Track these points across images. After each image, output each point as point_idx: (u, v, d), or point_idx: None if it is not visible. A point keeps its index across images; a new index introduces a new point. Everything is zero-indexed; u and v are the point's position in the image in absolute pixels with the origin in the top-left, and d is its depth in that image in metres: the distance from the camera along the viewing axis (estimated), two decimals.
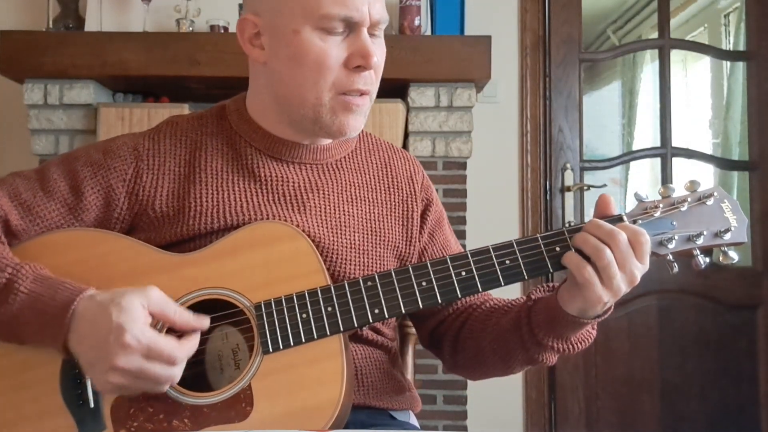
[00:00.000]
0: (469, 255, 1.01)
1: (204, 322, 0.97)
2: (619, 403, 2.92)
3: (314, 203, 1.11)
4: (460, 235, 2.63)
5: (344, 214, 1.13)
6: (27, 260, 1.00)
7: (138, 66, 2.57)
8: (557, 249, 0.99)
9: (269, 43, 1.08)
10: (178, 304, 0.98)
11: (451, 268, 1.00)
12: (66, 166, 1.09)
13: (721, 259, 1.02)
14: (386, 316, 0.99)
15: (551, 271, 1.00)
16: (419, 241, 1.20)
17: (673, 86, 3.04)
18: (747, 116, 3.11)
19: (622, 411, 2.92)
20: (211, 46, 2.53)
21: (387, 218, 1.17)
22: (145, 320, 0.92)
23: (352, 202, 1.14)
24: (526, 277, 1.00)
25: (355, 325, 0.99)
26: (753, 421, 2.92)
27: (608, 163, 3.08)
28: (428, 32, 2.74)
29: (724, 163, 3.22)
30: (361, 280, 1.00)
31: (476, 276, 1.00)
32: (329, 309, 0.98)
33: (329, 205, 1.12)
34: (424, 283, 1.00)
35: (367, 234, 1.14)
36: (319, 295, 0.99)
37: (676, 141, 3.01)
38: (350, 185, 1.16)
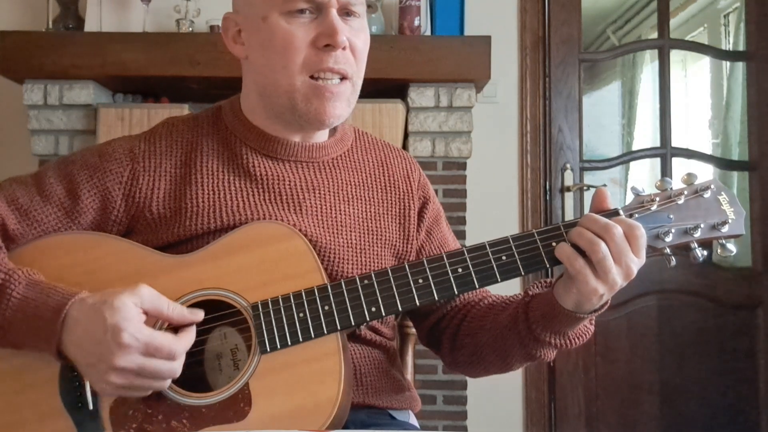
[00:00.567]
0: (465, 251, 1.01)
1: (198, 314, 0.98)
2: (619, 403, 2.92)
3: (311, 203, 1.11)
4: (460, 235, 2.63)
5: (341, 213, 1.13)
6: (24, 264, 1.00)
7: (138, 66, 2.57)
8: (553, 244, 0.99)
9: (246, 36, 1.11)
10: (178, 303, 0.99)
11: (447, 264, 1.00)
12: (62, 170, 1.10)
13: (719, 251, 1.01)
14: (383, 314, 0.99)
15: (547, 266, 1.00)
16: (416, 240, 1.20)
17: (673, 86, 3.04)
18: (747, 116, 3.11)
19: (622, 411, 2.92)
20: (211, 47, 2.53)
21: (384, 217, 1.17)
22: (140, 318, 0.92)
23: (348, 201, 1.14)
24: (523, 273, 1.00)
25: (353, 323, 0.99)
26: (753, 421, 2.92)
27: (608, 163, 3.08)
28: (428, 32, 2.74)
29: (723, 163, 3.22)
30: (357, 279, 1.00)
31: (473, 272, 1.00)
32: (326, 308, 0.98)
33: (325, 205, 1.12)
34: (420, 281, 1.00)
35: (364, 233, 1.14)
36: (316, 294, 0.99)
37: (676, 141, 3.01)
38: (347, 184, 1.16)
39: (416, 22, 2.68)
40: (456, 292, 1.00)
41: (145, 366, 0.91)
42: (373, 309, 0.99)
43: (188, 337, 0.95)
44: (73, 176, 1.08)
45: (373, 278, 1.00)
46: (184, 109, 2.62)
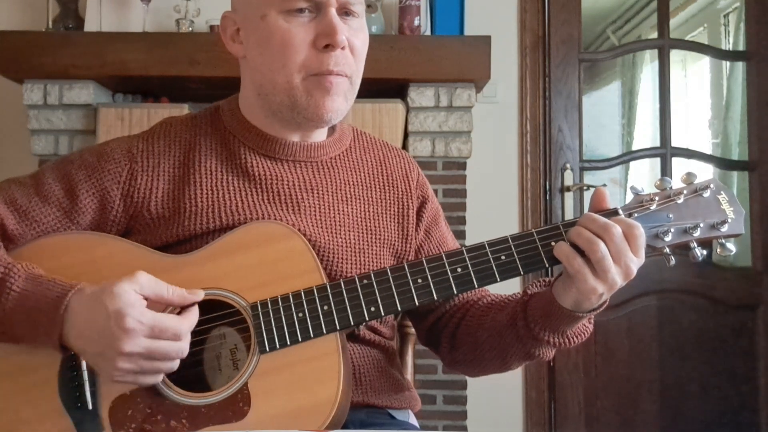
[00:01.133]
0: (464, 251, 1.01)
1: (198, 293, 0.98)
2: (619, 403, 2.92)
3: (309, 203, 1.11)
4: (460, 235, 2.63)
5: (339, 213, 1.13)
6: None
7: (138, 66, 2.57)
8: (552, 244, 0.99)
9: (244, 35, 1.11)
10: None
11: (446, 264, 1.00)
12: (60, 171, 1.10)
13: (718, 251, 1.01)
14: (382, 314, 0.99)
15: (547, 265, 0.99)
16: (415, 239, 1.20)
17: (673, 86, 3.04)
18: (747, 116, 3.11)
19: (622, 411, 2.92)
20: (211, 46, 2.53)
21: (383, 216, 1.17)
22: (141, 303, 0.92)
23: (347, 200, 1.14)
24: (522, 273, 0.99)
25: (352, 323, 0.98)
26: (753, 421, 2.92)
27: (608, 163, 3.08)
28: (428, 32, 2.74)
29: (723, 163, 3.22)
30: (356, 278, 1.00)
31: (472, 272, 0.99)
32: (325, 307, 0.98)
33: (324, 205, 1.12)
34: (420, 280, 1.00)
35: (363, 233, 1.14)
36: (315, 293, 0.99)
37: (676, 141, 3.01)
38: (345, 184, 1.16)
39: (416, 22, 2.68)
40: (455, 292, 1.00)
41: (152, 348, 0.91)
42: (372, 309, 0.99)
43: (192, 317, 0.96)
44: (72, 176, 1.08)
45: (372, 278, 1.00)
46: (183, 109, 2.62)
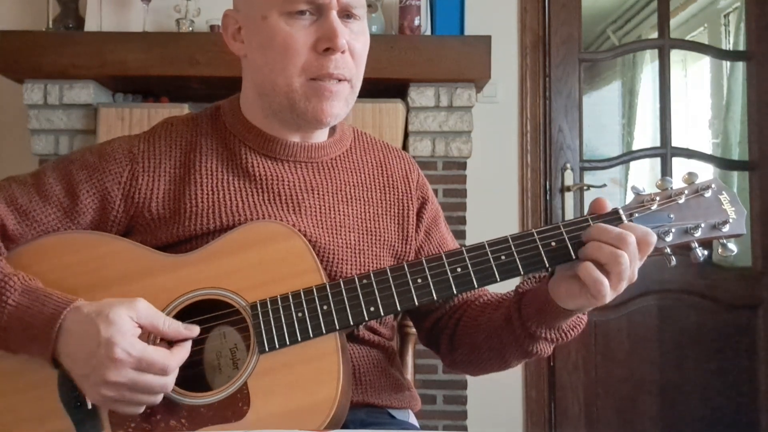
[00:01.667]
0: (464, 251, 1.00)
1: (194, 330, 0.97)
2: (619, 403, 2.92)
3: (309, 203, 1.11)
4: (460, 235, 2.63)
5: (339, 214, 1.13)
6: (24, 264, 1.00)
7: (138, 66, 2.57)
8: (553, 244, 0.98)
9: (246, 34, 1.11)
10: (177, 303, 0.99)
11: (446, 264, 1.00)
12: (61, 170, 1.09)
13: (720, 251, 1.00)
14: (382, 314, 0.99)
15: (547, 266, 0.99)
16: (415, 240, 1.20)
17: (673, 86, 3.04)
18: (747, 116, 3.11)
19: (622, 411, 2.92)
20: (211, 46, 2.53)
21: (383, 217, 1.17)
22: (134, 332, 0.91)
23: (347, 201, 1.14)
24: (522, 273, 0.99)
25: (351, 323, 0.98)
26: (753, 421, 2.92)
27: (608, 163, 3.08)
28: (428, 32, 2.74)
29: (723, 163, 3.22)
30: (356, 278, 1.00)
31: (472, 272, 0.99)
32: (325, 307, 0.98)
33: (324, 205, 1.12)
34: (419, 280, 0.99)
35: (363, 233, 1.14)
36: (315, 294, 0.98)
37: (676, 141, 3.01)
38: (345, 184, 1.16)
39: (416, 22, 2.68)
40: (455, 292, 1.00)
41: (137, 381, 0.90)
42: (372, 309, 0.99)
43: (182, 353, 0.95)
44: (72, 176, 1.08)
45: (372, 278, 1.00)
46: (184, 109, 2.62)
